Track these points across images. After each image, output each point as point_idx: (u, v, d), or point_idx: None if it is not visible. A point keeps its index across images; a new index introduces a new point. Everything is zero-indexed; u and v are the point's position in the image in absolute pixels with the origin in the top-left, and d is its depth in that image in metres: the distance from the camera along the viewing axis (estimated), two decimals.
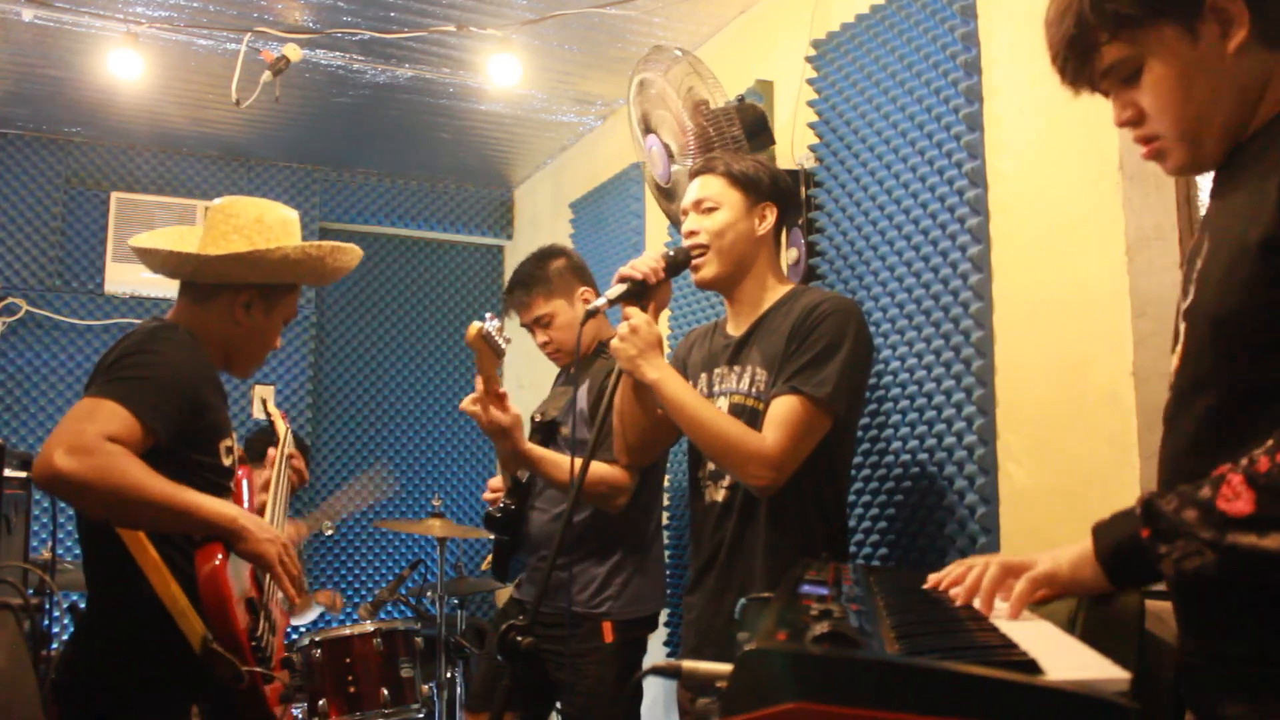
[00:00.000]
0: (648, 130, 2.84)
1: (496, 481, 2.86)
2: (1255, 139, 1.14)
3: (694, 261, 2.13)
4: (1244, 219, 1.08)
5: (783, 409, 1.96)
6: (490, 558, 2.95)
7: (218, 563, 1.79)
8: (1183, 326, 1.18)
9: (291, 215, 2.11)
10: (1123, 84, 1.20)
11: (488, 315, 2.41)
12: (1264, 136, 1.13)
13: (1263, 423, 1.03)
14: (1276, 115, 1.13)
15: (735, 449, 1.94)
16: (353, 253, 2.15)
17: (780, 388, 1.98)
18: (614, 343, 2.04)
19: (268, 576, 2.01)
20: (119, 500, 1.67)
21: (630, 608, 2.62)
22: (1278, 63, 1.13)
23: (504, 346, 2.39)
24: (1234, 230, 1.10)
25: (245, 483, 2.11)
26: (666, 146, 2.76)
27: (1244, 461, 0.98)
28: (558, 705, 2.75)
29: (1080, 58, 1.20)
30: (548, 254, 2.94)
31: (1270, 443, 0.97)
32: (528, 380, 4.72)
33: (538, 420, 2.83)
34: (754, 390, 2.08)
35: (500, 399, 2.40)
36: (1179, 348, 1.18)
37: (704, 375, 2.21)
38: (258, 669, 1.82)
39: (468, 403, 2.41)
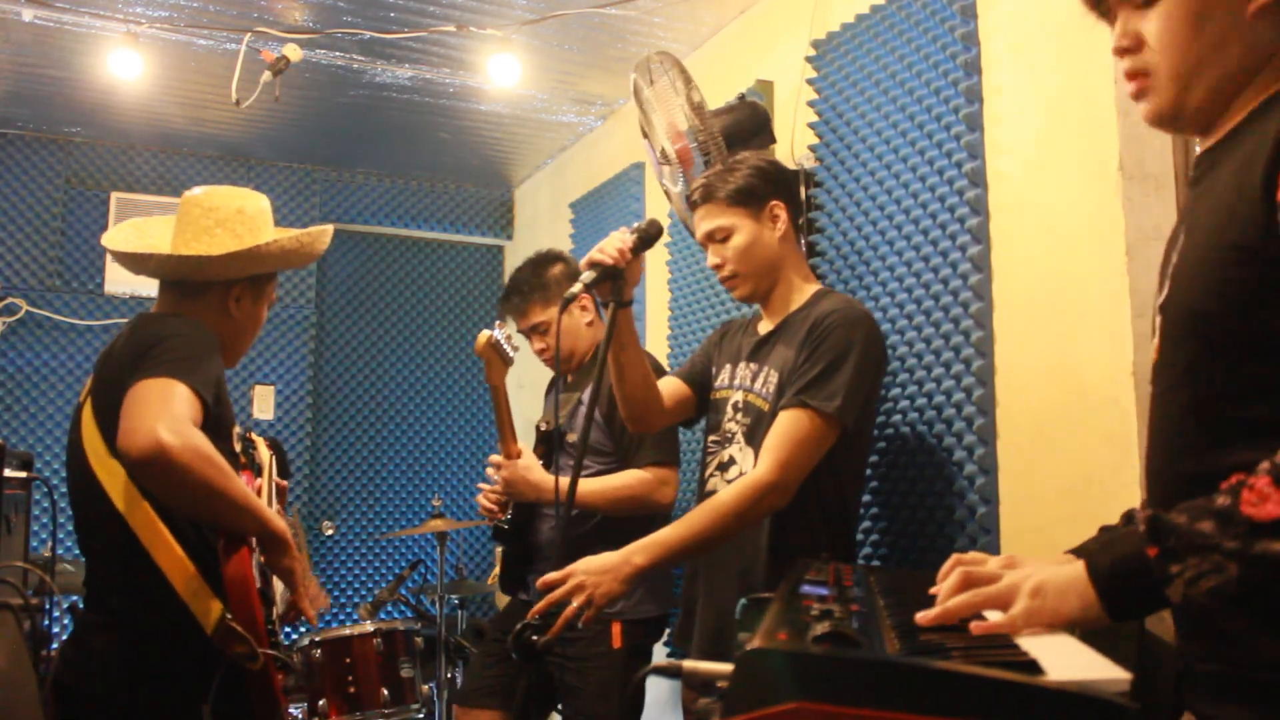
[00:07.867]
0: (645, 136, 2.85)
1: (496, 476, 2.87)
2: (1234, 135, 1.10)
3: (727, 284, 2.20)
4: (1219, 214, 1.05)
5: (786, 424, 1.98)
6: (497, 570, 2.93)
7: (243, 551, 1.77)
8: (1158, 320, 1.15)
9: (265, 202, 2.10)
10: (1132, 7, 1.14)
11: (497, 324, 2.40)
12: (1243, 130, 1.09)
13: (1239, 423, 1.01)
14: (1256, 109, 1.09)
15: (745, 513, 1.93)
16: (328, 233, 2.16)
17: (789, 399, 2.00)
18: (595, 593, 1.83)
19: (272, 583, 2.02)
20: (207, 486, 1.63)
21: (640, 607, 2.62)
22: None
23: (512, 355, 2.39)
24: (1208, 226, 1.07)
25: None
26: (664, 153, 2.76)
27: (1265, 465, 0.91)
28: (559, 707, 2.75)
29: None
30: (545, 260, 2.91)
31: None
32: (528, 380, 4.71)
33: (543, 430, 2.80)
34: (764, 391, 2.13)
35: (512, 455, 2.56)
36: (1155, 341, 1.15)
37: (729, 366, 2.27)
38: (271, 651, 1.79)
39: (490, 471, 2.61)
